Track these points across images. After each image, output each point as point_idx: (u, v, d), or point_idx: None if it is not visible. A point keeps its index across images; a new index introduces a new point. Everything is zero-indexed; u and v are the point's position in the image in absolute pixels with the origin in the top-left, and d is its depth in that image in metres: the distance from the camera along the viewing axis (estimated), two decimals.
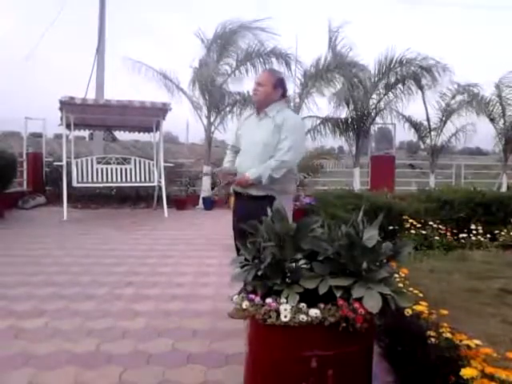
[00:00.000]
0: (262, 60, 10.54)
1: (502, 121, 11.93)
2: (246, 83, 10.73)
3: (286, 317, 1.74)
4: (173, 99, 10.77)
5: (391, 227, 5.22)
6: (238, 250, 2.86)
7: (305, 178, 7.68)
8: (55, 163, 10.17)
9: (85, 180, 9.08)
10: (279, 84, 2.99)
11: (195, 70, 10.61)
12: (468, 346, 1.95)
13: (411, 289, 2.68)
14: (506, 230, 5.58)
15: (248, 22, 10.30)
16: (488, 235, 5.55)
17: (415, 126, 12.05)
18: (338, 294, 1.79)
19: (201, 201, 10.51)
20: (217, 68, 10.50)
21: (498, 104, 11.78)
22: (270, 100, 2.96)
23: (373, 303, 1.74)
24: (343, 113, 11.51)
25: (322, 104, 11.41)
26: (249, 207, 2.87)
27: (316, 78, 10.66)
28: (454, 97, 11.74)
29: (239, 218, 2.88)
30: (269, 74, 3.15)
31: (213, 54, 10.59)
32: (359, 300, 1.76)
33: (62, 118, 8.74)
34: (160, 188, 9.22)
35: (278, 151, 2.88)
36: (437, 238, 5.32)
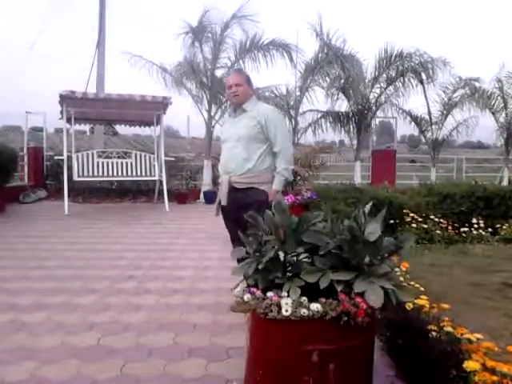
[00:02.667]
0: (262, 52, 10.48)
1: (503, 114, 11.90)
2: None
3: (287, 311, 1.73)
4: (171, 92, 10.76)
5: (392, 221, 5.22)
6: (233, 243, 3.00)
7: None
8: (56, 157, 10.17)
9: (85, 174, 9.07)
10: (249, 80, 3.18)
11: (184, 63, 10.58)
12: (469, 340, 1.95)
13: (412, 283, 2.68)
14: (507, 224, 5.57)
15: (239, 11, 10.18)
16: (489, 229, 5.55)
17: (416, 119, 12.02)
18: (339, 288, 1.79)
19: (202, 195, 10.51)
20: (215, 61, 10.45)
21: (499, 97, 11.75)
22: (247, 97, 3.11)
23: (375, 298, 1.74)
24: (344, 107, 11.50)
25: (322, 98, 11.40)
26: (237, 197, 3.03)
27: (315, 70, 10.63)
28: (455, 90, 11.69)
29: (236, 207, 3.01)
30: (239, 73, 3.31)
31: (205, 46, 10.52)
32: (361, 294, 1.76)
33: (62, 112, 8.71)
34: (161, 182, 9.22)
35: (277, 148, 3.00)
36: (438, 231, 5.31)
